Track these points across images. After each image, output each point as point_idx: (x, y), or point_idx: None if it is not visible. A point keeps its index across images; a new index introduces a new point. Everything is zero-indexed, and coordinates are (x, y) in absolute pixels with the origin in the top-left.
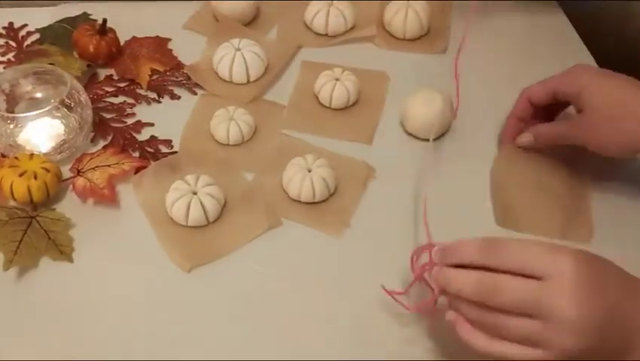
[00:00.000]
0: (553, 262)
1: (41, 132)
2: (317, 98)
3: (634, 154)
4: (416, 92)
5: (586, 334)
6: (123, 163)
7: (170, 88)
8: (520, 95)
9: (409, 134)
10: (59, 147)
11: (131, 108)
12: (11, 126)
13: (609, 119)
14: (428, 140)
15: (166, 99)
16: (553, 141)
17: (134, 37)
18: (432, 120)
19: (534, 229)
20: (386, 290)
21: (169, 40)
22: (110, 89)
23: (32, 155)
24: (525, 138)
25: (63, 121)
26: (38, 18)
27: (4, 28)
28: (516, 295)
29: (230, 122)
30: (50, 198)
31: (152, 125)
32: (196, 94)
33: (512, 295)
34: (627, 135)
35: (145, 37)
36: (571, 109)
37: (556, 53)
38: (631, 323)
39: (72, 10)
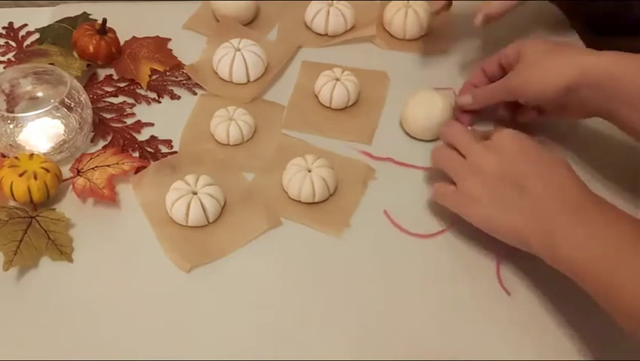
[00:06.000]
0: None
1: (41, 132)
2: (317, 98)
3: (555, 94)
4: (416, 93)
5: (491, 182)
6: (123, 163)
7: (170, 88)
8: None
9: (409, 134)
10: (59, 147)
11: (131, 108)
12: (11, 126)
13: (534, 64)
14: (428, 140)
15: (165, 99)
16: (489, 99)
17: (134, 37)
18: (432, 121)
19: None
20: None
21: (169, 40)
22: (110, 89)
23: (31, 155)
24: (464, 98)
25: (63, 121)
26: (38, 18)
27: (4, 28)
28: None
29: (230, 122)
30: (50, 198)
31: (152, 125)
32: (196, 94)
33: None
34: (546, 72)
35: (145, 37)
36: None
37: None
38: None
39: (72, 10)
